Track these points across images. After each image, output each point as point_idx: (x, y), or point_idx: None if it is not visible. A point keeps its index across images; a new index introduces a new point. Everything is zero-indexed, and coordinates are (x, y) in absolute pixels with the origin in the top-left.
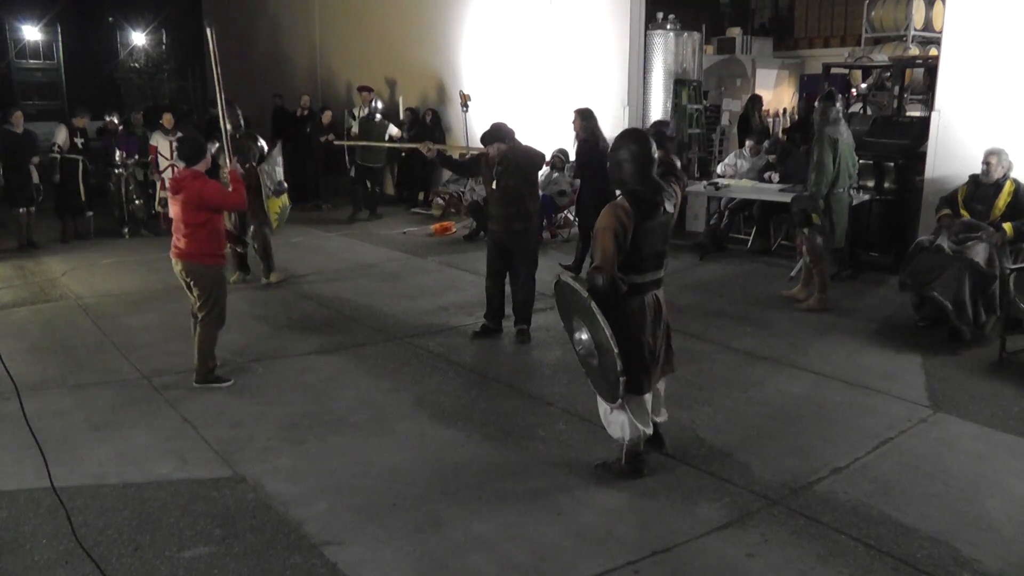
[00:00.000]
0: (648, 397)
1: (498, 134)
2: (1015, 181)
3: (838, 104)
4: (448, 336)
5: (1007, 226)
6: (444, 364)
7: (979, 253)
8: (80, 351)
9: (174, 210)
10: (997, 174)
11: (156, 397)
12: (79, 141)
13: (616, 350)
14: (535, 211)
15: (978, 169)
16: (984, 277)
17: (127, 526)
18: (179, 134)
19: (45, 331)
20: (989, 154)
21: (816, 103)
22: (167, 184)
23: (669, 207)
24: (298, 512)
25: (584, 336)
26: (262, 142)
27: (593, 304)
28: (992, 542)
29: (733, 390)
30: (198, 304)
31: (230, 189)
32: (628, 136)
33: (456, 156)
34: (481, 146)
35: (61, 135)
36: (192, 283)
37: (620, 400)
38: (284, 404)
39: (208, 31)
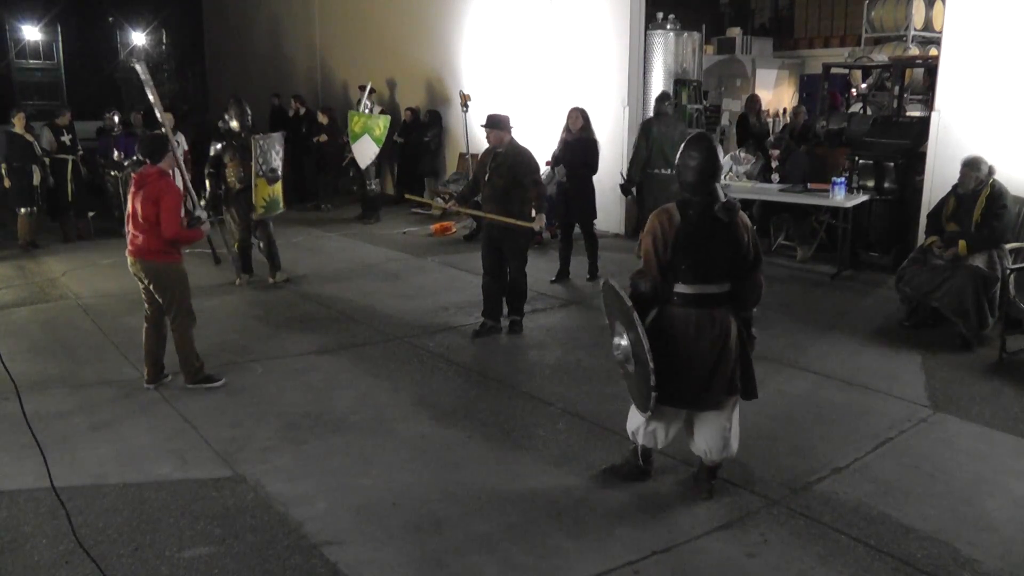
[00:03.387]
0: (675, 415)
1: (500, 123)
2: (993, 186)
3: (667, 103)
4: (448, 336)
5: (961, 244)
6: (444, 364)
7: (978, 258)
8: (80, 351)
9: (133, 206)
10: (971, 184)
11: (156, 397)
12: (66, 140)
13: (651, 365)
14: (524, 212)
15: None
16: (986, 280)
17: (127, 526)
18: (179, 134)
19: (45, 331)
20: (962, 164)
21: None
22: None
23: (724, 216)
24: (298, 512)
25: (623, 342)
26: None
27: (635, 315)
28: (992, 542)
29: None
30: (164, 305)
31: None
32: (693, 143)
33: (468, 194)
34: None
35: (46, 137)
36: (151, 283)
37: (650, 412)
38: (284, 404)
39: (139, 67)
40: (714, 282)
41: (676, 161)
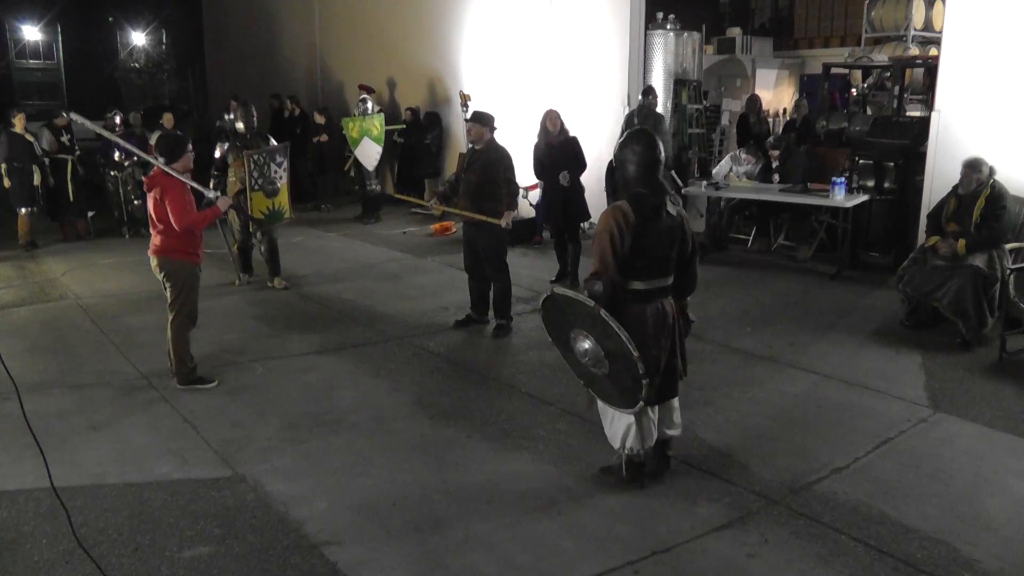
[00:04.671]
0: (654, 409)
1: (485, 119)
2: (993, 186)
3: (651, 97)
4: (448, 336)
5: (960, 243)
6: (444, 364)
7: (978, 258)
8: (80, 351)
9: (149, 207)
10: (972, 185)
11: (156, 397)
12: (65, 140)
13: (636, 353)
14: (497, 210)
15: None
16: (986, 280)
17: (127, 526)
18: (178, 133)
19: (45, 331)
20: (963, 165)
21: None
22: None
23: (672, 210)
24: (298, 512)
25: (587, 345)
26: (273, 142)
27: (603, 312)
28: (992, 542)
29: (733, 390)
30: (169, 302)
31: (216, 198)
32: (634, 137)
33: (450, 193)
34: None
35: (45, 138)
36: (164, 279)
37: (640, 404)
38: (284, 404)
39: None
40: (665, 276)
41: (620, 156)
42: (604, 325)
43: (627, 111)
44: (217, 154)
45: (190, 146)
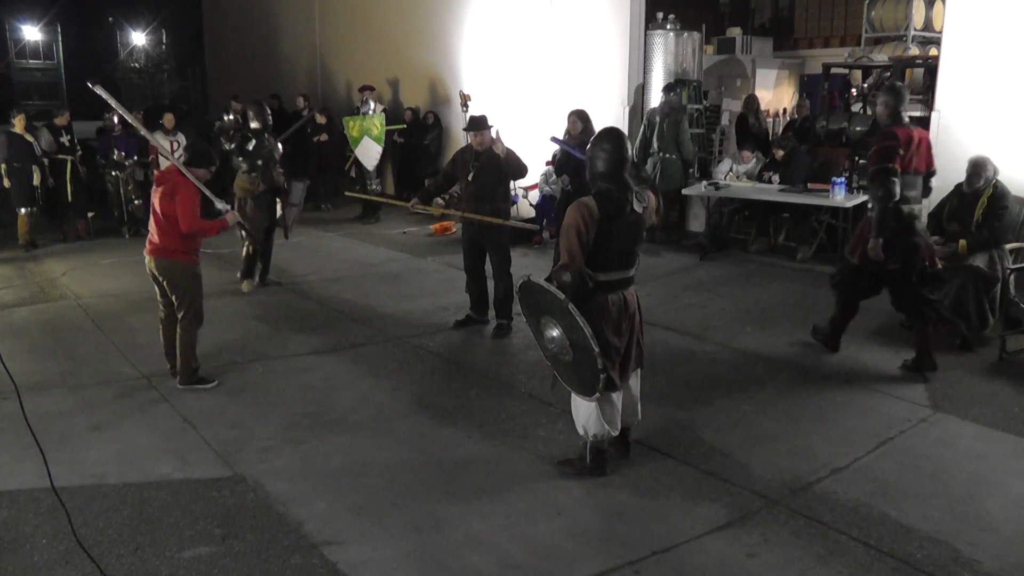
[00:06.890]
0: (618, 396)
1: (485, 123)
2: (995, 186)
3: (671, 95)
4: (448, 336)
5: (961, 243)
6: (444, 364)
7: (979, 258)
8: (80, 351)
9: (153, 202)
10: (977, 184)
11: (156, 397)
12: (64, 140)
13: (597, 349)
14: (505, 209)
15: None
16: (987, 280)
17: (127, 526)
18: (179, 134)
19: (45, 331)
20: (969, 163)
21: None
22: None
23: (637, 207)
24: (298, 512)
25: (555, 333)
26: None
27: (571, 305)
28: (992, 542)
29: (733, 390)
30: (175, 304)
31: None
32: (604, 135)
33: (433, 191)
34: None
35: (44, 138)
36: (166, 282)
37: (598, 395)
38: (284, 404)
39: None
40: (626, 268)
41: (589, 153)
42: (571, 319)
43: (626, 111)
44: (230, 146)
45: (215, 167)
